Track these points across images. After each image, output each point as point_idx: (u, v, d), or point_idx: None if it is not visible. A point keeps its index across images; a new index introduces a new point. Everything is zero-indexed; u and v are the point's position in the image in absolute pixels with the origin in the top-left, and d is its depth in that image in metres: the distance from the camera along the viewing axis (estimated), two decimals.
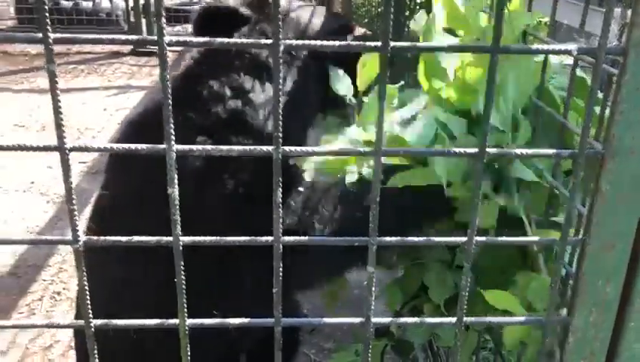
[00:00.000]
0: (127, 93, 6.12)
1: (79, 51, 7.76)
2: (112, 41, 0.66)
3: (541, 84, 1.19)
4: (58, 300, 2.78)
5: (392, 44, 0.63)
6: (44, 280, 2.92)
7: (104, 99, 5.90)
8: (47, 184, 4.01)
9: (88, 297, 0.76)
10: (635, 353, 0.83)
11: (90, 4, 8.45)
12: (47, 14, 0.62)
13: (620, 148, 0.71)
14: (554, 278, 0.78)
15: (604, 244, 0.76)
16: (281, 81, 0.67)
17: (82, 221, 3.26)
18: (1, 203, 3.74)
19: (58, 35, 0.64)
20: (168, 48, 0.63)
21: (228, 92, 1.54)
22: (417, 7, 2.36)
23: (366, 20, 4.65)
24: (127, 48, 7.91)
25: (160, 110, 0.67)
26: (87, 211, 3.79)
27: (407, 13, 2.52)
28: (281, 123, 0.67)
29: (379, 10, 4.07)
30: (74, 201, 0.72)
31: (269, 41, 0.64)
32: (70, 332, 2.20)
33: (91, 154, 4.47)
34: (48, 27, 0.63)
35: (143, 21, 7.94)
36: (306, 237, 0.76)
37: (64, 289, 2.87)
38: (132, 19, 7.97)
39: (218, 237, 0.73)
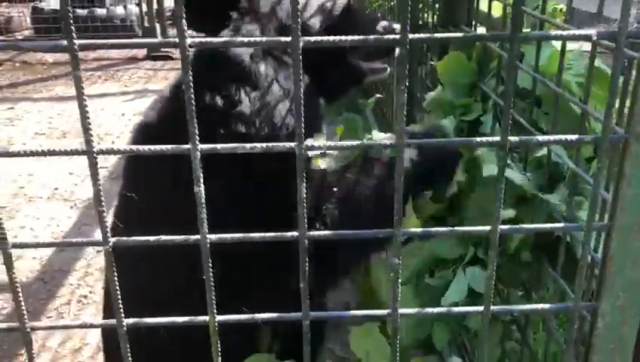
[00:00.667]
0: (144, 98, 6.18)
1: (96, 58, 7.86)
2: (135, 45, 0.68)
3: (559, 72, 1.18)
4: (85, 304, 2.82)
5: (410, 36, 0.64)
6: (71, 285, 2.97)
7: (122, 105, 5.97)
8: (70, 190, 4.07)
9: (119, 296, 0.78)
10: None
11: (105, 11, 8.54)
12: (71, 22, 0.64)
13: None
14: (581, 264, 0.78)
15: (630, 228, 0.76)
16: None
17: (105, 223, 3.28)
18: (28, 210, 3.81)
19: (83, 42, 0.65)
20: (189, 50, 0.65)
21: (219, 101, 1.45)
22: (432, 1, 2.34)
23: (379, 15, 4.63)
24: (143, 53, 7.99)
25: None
26: (111, 213, 3.85)
27: (420, 5, 2.51)
28: (302, 120, 0.68)
29: (392, 3, 4.05)
30: (103, 204, 0.73)
31: (288, 39, 0.64)
32: (99, 334, 2.23)
33: (112, 160, 4.52)
34: (73, 34, 0.64)
35: (157, 26, 8.02)
36: (331, 231, 0.77)
37: (90, 292, 2.92)
38: (146, 24, 8.06)
39: (244, 234, 0.74)
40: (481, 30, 1.88)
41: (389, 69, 1.61)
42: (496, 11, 1.67)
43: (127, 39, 7.89)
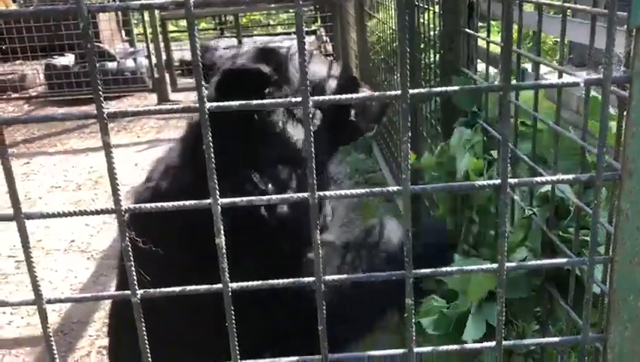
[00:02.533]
0: (156, 148, 6.30)
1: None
2: (158, 112, 0.74)
3: (557, 111, 1.23)
4: (105, 354, 2.84)
5: (410, 92, 0.69)
6: (90, 336, 3.00)
7: (134, 155, 6.09)
8: (87, 241, 4.14)
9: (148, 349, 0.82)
10: None
11: (115, 64, 8.78)
12: (100, 92, 0.70)
13: (636, 168, 0.75)
14: (586, 297, 0.82)
15: (631, 261, 0.80)
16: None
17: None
18: (45, 263, 3.87)
19: (112, 110, 0.72)
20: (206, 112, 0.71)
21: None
22: (432, 41, 2.42)
23: (382, 57, 4.75)
24: (153, 103, 8.18)
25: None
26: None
27: (422, 45, 2.60)
28: (314, 170, 0.73)
29: (394, 45, 4.16)
30: (131, 258, 0.78)
31: (299, 99, 0.70)
32: None
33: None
34: (102, 103, 0.71)
35: (167, 76, 8.23)
36: (346, 275, 0.81)
37: None
38: (156, 75, 8.26)
39: (262, 281, 0.79)
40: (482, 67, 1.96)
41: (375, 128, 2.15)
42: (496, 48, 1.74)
43: (136, 91, 8.02)
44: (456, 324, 1.39)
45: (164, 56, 8.20)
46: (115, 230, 4.28)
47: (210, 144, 0.72)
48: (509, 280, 1.31)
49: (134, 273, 0.79)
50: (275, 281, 0.81)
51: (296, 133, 1.70)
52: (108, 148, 0.72)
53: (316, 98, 0.71)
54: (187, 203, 0.76)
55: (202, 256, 1.29)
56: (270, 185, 1.61)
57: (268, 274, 0.86)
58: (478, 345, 0.83)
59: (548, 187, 1.37)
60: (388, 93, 0.71)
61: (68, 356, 2.82)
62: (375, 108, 2.06)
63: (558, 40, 2.05)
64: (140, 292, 0.80)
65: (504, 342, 0.82)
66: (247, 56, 1.80)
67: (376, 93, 0.72)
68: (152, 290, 0.79)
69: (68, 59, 8.89)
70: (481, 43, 1.95)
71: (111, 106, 8.16)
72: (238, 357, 0.82)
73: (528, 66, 2.42)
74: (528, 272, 1.28)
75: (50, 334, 0.82)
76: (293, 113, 1.71)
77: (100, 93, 0.70)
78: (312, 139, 0.72)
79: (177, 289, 0.81)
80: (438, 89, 0.70)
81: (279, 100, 0.70)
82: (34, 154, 6.31)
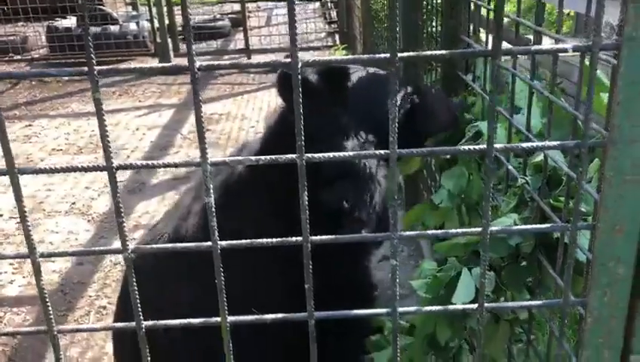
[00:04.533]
0: (157, 112, 6.30)
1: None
2: (149, 71, 0.74)
3: (553, 80, 1.23)
4: (104, 314, 2.90)
5: (399, 55, 0.70)
6: (90, 296, 3.05)
7: (135, 120, 6.09)
8: (88, 204, 4.17)
9: (138, 299, 0.84)
10: None
11: (118, 27, 8.71)
12: (92, 50, 0.70)
13: (620, 136, 0.76)
14: (569, 261, 0.83)
15: (613, 228, 0.81)
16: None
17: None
18: (47, 225, 3.90)
19: (103, 68, 0.72)
20: (199, 72, 0.71)
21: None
22: (435, 9, 2.40)
23: (385, 25, 4.70)
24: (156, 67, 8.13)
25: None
26: (125, 227, 3.94)
27: (424, 15, 2.57)
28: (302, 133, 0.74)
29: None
30: (122, 215, 0.79)
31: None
32: None
33: (127, 174, 4.62)
34: (93, 61, 0.71)
35: (169, 40, 8.16)
36: (333, 236, 0.82)
37: (109, 303, 2.99)
38: (158, 39, 8.20)
39: (250, 240, 0.80)
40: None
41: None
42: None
43: (137, 56, 7.98)
44: (446, 288, 1.41)
45: (166, 21, 8.13)
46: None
47: (201, 106, 0.73)
48: (492, 242, 1.34)
49: (126, 230, 0.80)
50: (265, 240, 0.82)
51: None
52: (99, 105, 0.73)
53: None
54: (176, 162, 0.77)
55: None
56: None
57: None
58: (460, 306, 0.85)
59: (541, 156, 1.38)
60: (377, 55, 0.72)
61: (67, 315, 2.88)
62: (444, 113, 1.91)
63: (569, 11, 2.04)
64: (131, 247, 0.82)
65: (486, 304, 0.84)
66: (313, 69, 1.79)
67: (365, 56, 0.72)
68: (142, 246, 0.81)
69: (70, 22, 8.82)
70: (484, 12, 1.94)
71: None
72: (226, 310, 0.85)
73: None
74: (509, 236, 1.30)
75: (44, 287, 0.85)
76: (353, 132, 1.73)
77: (91, 48, 0.71)
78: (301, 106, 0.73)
79: (169, 245, 0.83)
80: (428, 52, 0.70)
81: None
82: (36, 117, 6.31)
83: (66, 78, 7.79)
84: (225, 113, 6.25)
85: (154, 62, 8.28)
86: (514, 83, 1.51)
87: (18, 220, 3.87)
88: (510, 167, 1.50)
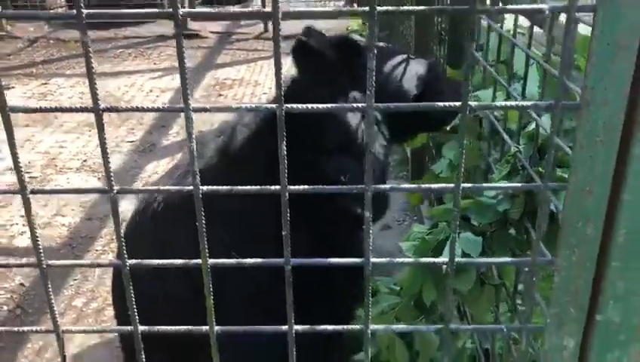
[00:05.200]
0: (171, 75, 6.32)
1: (126, 36, 8.03)
2: (138, 15, 0.77)
3: (548, 46, 1.24)
4: (109, 268, 2.97)
5: (378, 8, 0.72)
6: (97, 250, 3.13)
7: (150, 82, 6.12)
8: (99, 162, 4.23)
9: (124, 240, 0.88)
10: (617, 291, 0.89)
11: None
12: None
13: (593, 98, 0.77)
14: (539, 220, 0.86)
15: (583, 189, 0.83)
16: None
17: (127, 200, 3.40)
18: (58, 180, 3.98)
19: (91, 11, 0.75)
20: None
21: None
22: None
23: None
24: (172, 31, 8.13)
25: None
26: (134, 187, 3.99)
27: None
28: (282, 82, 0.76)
29: None
30: (108, 155, 0.83)
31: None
32: None
33: (139, 134, 4.67)
34: (82, 5, 0.74)
35: (187, 3, 8.14)
36: (310, 186, 0.85)
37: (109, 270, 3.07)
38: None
39: (230, 187, 0.83)
40: None
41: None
42: None
43: (159, 25, 7.93)
44: (434, 251, 1.44)
45: None
46: (125, 152, 4.38)
47: (184, 50, 0.75)
48: (479, 208, 1.36)
49: (110, 163, 0.84)
50: (244, 188, 0.85)
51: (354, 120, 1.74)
52: (86, 47, 0.76)
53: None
54: (160, 108, 0.80)
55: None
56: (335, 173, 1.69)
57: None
58: (431, 259, 0.88)
59: (534, 125, 1.39)
60: (357, 8, 0.73)
61: (74, 268, 2.96)
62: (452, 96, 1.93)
63: None
64: (117, 188, 0.85)
65: (456, 259, 0.87)
66: (328, 40, 1.79)
67: (345, 9, 0.74)
68: (127, 188, 0.85)
69: None
70: None
71: (130, 32, 8.15)
72: (208, 255, 0.88)
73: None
74: (498, 202, 1.32)
75: (35, 226, 0.88)
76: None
77: None
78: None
79: (152, 188, 0.86)
80: (405, 7, 0.72)
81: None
82: (52, 75, 6.36)
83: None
84: (238, 79, 6.26)
85: (171, 25, 8.26)
86: (513, 51, 1.51)
87: (30, 175, 3.96)
88: (505, 137, 1.52)
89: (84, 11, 0.75)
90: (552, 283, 0.92)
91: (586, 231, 0.86)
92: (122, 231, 2.15)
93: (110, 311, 2.63)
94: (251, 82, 6.15)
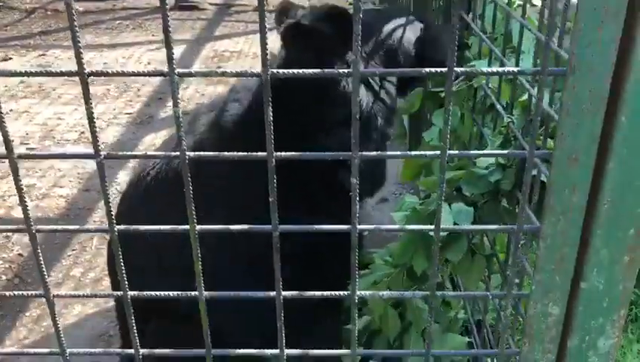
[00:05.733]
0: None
1: (124, 7, 7.95)
2: None
3: (541, 17, 1.23)
4: (106, 239, 2.99)
5: None
6: (95, 221, 3.14)
7: (148, 53, 6.08)
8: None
9: (112, 209, 0.88)
10: (601, 259, 0.90)
11: None
12: None
13: (580, 65, 0.77)
14: (524, 188, 0.86)
15: (569, 157, 0.83)
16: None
17: (127, 167, 3.40)
18: (56, 152, 3.98)
19: None
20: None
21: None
22: None
23: None
24: (171, 3, 8.04)
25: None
26: (132, 160, 3.98)
27: None
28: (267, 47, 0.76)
29: None
30: (95, 123, 0.83)
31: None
32: None
33: (137, 106, 4.65)
34: None
35: None
36: (297, 153, 0.85)
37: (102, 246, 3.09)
38: None
39: (218, 153, 0.84)
40: None
41: None
42: None
43: None
44: (425, 220, 1.45)
45: None
46: (123, 124, 4.37)
47: (169, 20, 0.75)
48: (470, 179, 1.36)
49: (98, 136, 0.84)
50: (231, 154, 0.85)
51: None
52: (70, 10, 0.75)
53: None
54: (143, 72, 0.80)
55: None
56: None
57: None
58: (417, 227, 0.88)
59: (527, 95, 1.38)
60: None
61: (72, 239, 2.98)
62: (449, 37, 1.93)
63: None
64: (103, 153, 0.85)
65: (442, 226, 0.87)
66: (316, 14, 1.75)
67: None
68: (114, 153, 0.85)
69: None
70: None
71: (128, 4, 8.07)
72: (195, 220, 0.89)
73: None
74: (489, 173, 1.32)
75: (23, 187, 0.89)
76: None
77: None
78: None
79: (139, 153, 0.86)
80: None
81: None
82: (50, 47, 6.32)
83: (82, 9, 7.75)
84: (237, 51, 6.21)
85: None
86: (508, 22, 1.50)
87: (28, 146, 3.96)
88: (498, 106, 1.51)
89: None
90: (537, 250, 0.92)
91: (571, 198, 0.86)
92: (115, 204, 2.14)
93: (108, 281, 2.65)
94: (250, 54, 6.11)
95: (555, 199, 0.86)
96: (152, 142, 4.10)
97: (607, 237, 0.89)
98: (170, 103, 4.75)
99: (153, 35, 6.79)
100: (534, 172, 1.32)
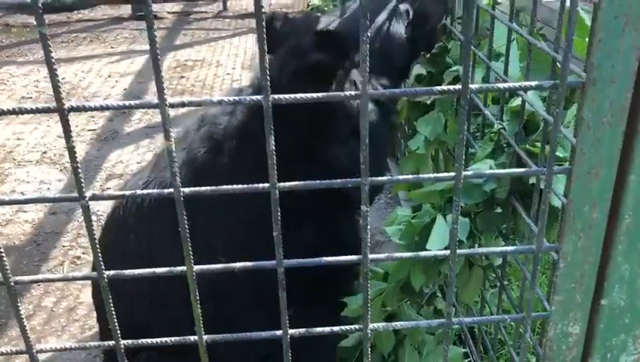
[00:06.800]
0: (130, 59, 6.12)
1: (80, 19, 7.73)
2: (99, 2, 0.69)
3: (532, 23, 1.19)
4: (78, 264, 2.87)
5: None
6: (64, 246, 3.01)
7: (108, 66, 5.91)
8: (59, 153, 4.07)
9: (99, 249, 0.80)
10: (623, 274, 0.86)
11: None
12: None
13: (600, 76, 0.73)
14: (542, 206, 0.81)
15: (589, 171, 0.79)
16: None
17: (95, 186, 3.29)
18: (17, 174, 3.81)
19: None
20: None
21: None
22: None
23: None
24: (128, 13, 7.85)
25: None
26: (98, 177, 3.85)
27: None
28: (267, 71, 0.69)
29: None
30: (77, 159, 0.75)
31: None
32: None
33: (101, 122, 4.51)
34: None
35: None
36: (301, 183, 0.79)
37: (83, 254, 2.96)
38: None
39: (215, 187, 0.77)
40: None
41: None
42: None
43: (114, 9, 7.65)
44: (420, 234, 1.40)
45: None
46: (87, 141, 4.22)
47: (156, 39, 0.68)
48: (465, 189, 1.32)
49: (81, 176, 0.76)
50: (230, 187, 0.79)
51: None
52: (45, 40, 0.67)
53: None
54: (135, 102, 0.73)
55: None
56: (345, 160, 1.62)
57: None
58: (432, 253, 0.83)
59: (518, 101, 1.35)
60: None
61: (41, 266, 2.84)
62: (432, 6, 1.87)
63: None
64: (88, 194, 0.78)
65: (458, 251, 0.82)
66: (309, 43, 1.68)
67: None
68: (99, 194, 0.77)
69: None
70: None
71: (84, 15, 7.85)
72: (192, 261, 0.82)
73: None
74: (484, 182, 1.28)
75: None
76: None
77: None
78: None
79: (128, 193, 0.79)
80: None
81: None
82: (3, 64, 6.08)
83: (35, 23, 7.51)
84: (199, 59, 6.09)
85: (126, 8, 7.98)
86: (493, 26, 1.46)
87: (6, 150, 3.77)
88: (487, 112, 1.48)
89: (41, 0, 0.66)
90: (556, 269, 0.88)
91: (592, 215, 0.82)
92: (102, 225, 2.01)
93: (82, 310, 2.54)
94: (213, 62, 5.99)
95: (574, 216, 0.82)
96: (119, 158, 3.96)
97: (629, 251, 0.85)
98: (135, 117, 4.61)
99: (112, 47, 6.61)
100: (532, 180, 1.29)
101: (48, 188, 3.60)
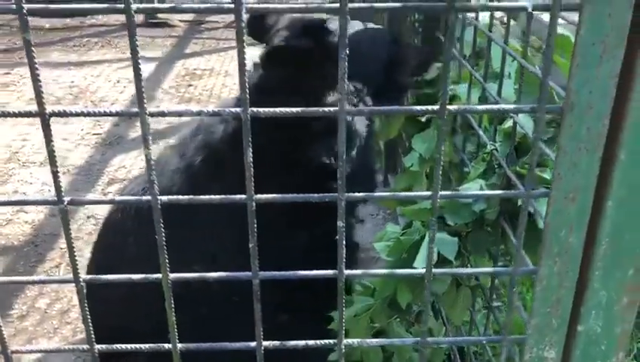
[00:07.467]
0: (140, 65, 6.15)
1: (92, 24, 7.81)
2: (85, 11, 0.70)
3: (526, 43, 1.20)
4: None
5: (349, 5, 0.66)
6: (61, 248, 3.02)
7: (117, 72, 5.96)
8: (63, 155, 4.10)
9: (76, 256, 0.81)
10: (600, 300, 0.86)
11: None
12: None
13: (578, 102, 0.73)
14: (519, 229, 0.81)
15: (566, 196, 0.79)
16: None
17: (96, 190, 3.29)
18: (21, 175, 3.84)
19: (31, 6, 0.68)
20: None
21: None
22: None
23: None
24: (140, 19, 7.92)
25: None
26: (100, 181, 3.86)
27: None
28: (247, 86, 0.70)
29: None
30: (57, 164, 0.76)
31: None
32: None
33: (106, 126, 4.54)
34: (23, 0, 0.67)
35: None
36: (279, 195, 0.79)
37: (79, 256, 2.97)
38: None
39: (192, 196, 0.77)
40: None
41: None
42: None
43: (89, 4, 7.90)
44: (409, 251, 1.40)
45: None
46: (92, 145, 4.25)
47: (138, 50, 0.69)
48: (454, 208, 1.32)
49: (60, 180, 0.77)
50: (206, 197, 0.79)
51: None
52: (28, 46, 0.69)
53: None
54: (116, 110, 0.74)
55: None
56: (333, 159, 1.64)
57: None
58: (407, 271, 0.83)
59: (510, 123, 1.35)
60: (322, 6, 0.67)
61: (37, 267, 2.85)
62: (417, 58, 1.89)
63: None
64: (67, 199, 0.78)
65: (434, 270, 0.82)
66: (292, 30, 1.72)
67: (313, 5, 0.68)
68: (78, 198, 0.78)
69: None
70: None
71: (97, 20, 7.94)
72: (169, 269, 0.82)
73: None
74: (473, 202, 1.28)
75: None
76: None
77: None
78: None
79: (107, 199, 0.79)
80: (380, 5, 0.66)
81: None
82: (15, 65, 6.14)
83: (47, 26, 7.58)
84: (208, 69, 6.14)
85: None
86: (489, 47, 1.47)
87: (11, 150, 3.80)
88: (481, 133, 1.48)
89: (26, 6, 0.68)
90: (533, 292, 0.88)
91: (568, 239, 0.82)
92: (101, 226, 2.02)
93: (75, 313, 2.54)
94: (222, 72, 6.03)
95: (551, 240, 0.82)
96: (122, 163, 3.98)
97: (606, 278, 0.85)
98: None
99: (122, 53, 6.66)
100: (519, 201, 1.29)
101: (49, 190, 3.62)
